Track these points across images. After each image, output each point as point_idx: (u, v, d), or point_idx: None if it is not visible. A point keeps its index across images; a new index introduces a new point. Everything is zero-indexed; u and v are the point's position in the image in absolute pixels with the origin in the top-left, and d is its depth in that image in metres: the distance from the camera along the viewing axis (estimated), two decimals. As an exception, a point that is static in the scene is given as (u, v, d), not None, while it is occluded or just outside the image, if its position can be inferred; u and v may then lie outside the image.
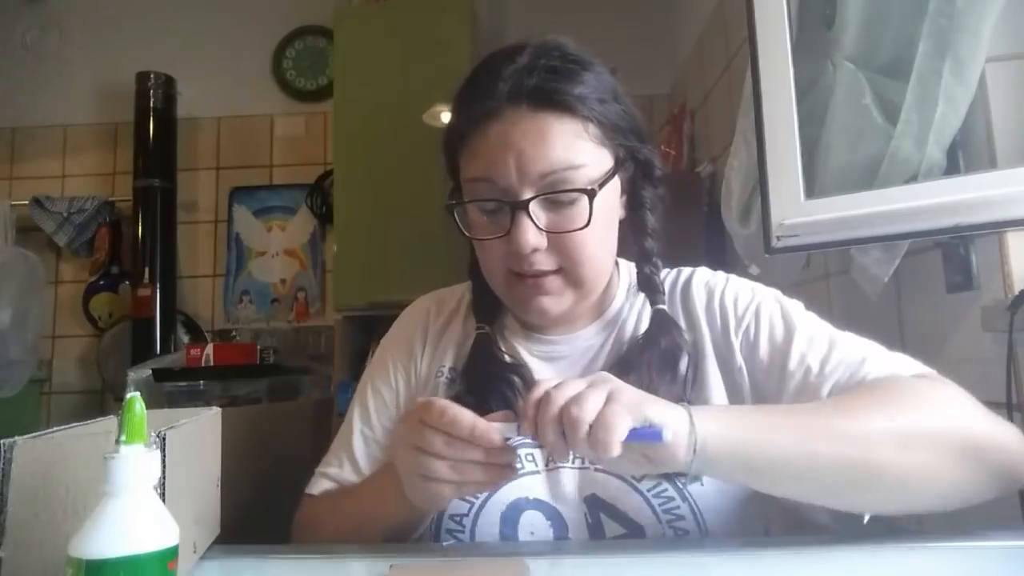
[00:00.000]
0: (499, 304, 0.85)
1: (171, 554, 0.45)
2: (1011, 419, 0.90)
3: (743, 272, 1.60)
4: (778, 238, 1.04)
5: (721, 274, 0.86)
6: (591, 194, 0.72)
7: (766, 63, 1.08)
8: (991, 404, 0.94)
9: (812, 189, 1.03)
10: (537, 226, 0.72)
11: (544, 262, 0.73)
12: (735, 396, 0.77)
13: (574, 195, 0.72)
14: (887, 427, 0.61)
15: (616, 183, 0.78)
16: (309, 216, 2.97)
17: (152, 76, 2.82)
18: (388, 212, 2.41)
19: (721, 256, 2.04)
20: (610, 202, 0.77)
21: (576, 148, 0.72)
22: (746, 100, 1.38)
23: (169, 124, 2.87)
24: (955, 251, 1.03)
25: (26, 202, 2.87)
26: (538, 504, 0.74)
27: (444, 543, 0.74)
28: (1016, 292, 0.90)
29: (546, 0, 2.79)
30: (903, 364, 0.72)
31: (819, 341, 0.74)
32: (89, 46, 3.03)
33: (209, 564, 0.65)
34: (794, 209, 1.03)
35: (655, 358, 0.76)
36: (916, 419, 0.63)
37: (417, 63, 2.41)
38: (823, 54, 1.10)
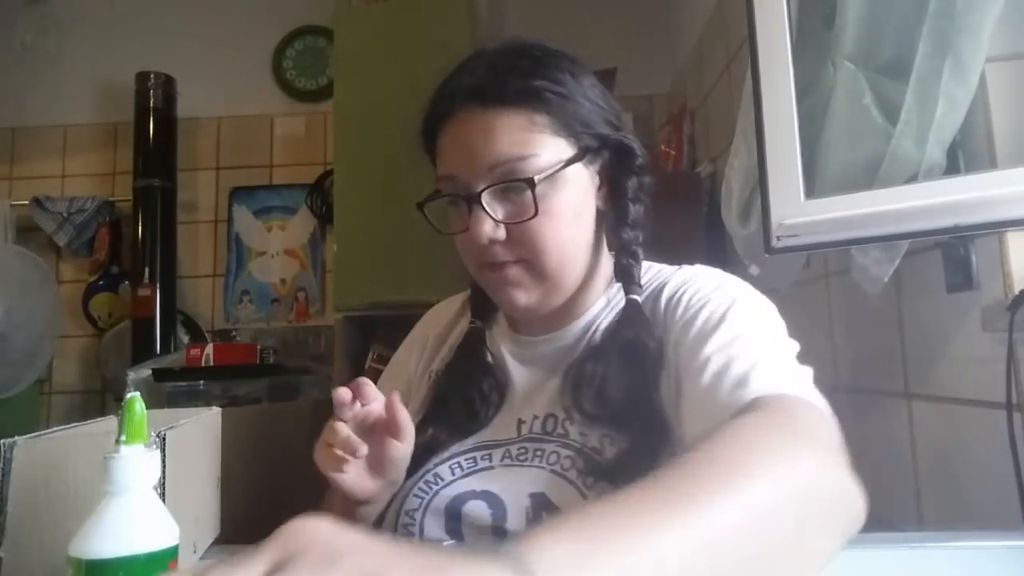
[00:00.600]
0: (493, 305, 0.87)
1: (171, 554, 0.45)
2: (1011, 419, 0.90)
3: (743, 272, 1.60)
4: (778, 238, 1.04)
5: (701, 269, 0.82)
6: (531, 183, 0.73)
7: (766, 63, 1.08)
8: (991, 404, 0.94)
9: (812, 189, 1.03)
10: (492, 218, 0.74)
11: (504, 253, 0.76)
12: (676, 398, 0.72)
13: (524, 185, 0.73)
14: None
15: (586, 174, 0.78)
16: (309, 216, 2.97)
17: (152, 76, 2.82)
18: (388, 212, 2.41)
19: (721, 256, 2.04)
20: (576, 192, 0.77)
21: (525, 140, 0.73)
22: (746, 100, 1.38)
23: (169, 124, 2.87)
24: (955, 251, 1.03)
25: (26, 202, 2.87)
26: (485, 495, 0.75)
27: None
28: (1016, 292, 0.90)
29: (546, 0, 2.80)
30: (792, 381, 0.62)
31: (734, 330, 0.68)
32: (89, 46, 3.03)
33: (201, 563, 0.65)
34: (794, 209, 1.03)
35: (619, 350, 0.75)
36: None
37: (417, 63, 2.40)
38: (823, 54, 1.10)
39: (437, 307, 0.98)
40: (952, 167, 0.96)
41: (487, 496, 0.74)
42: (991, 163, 0.93)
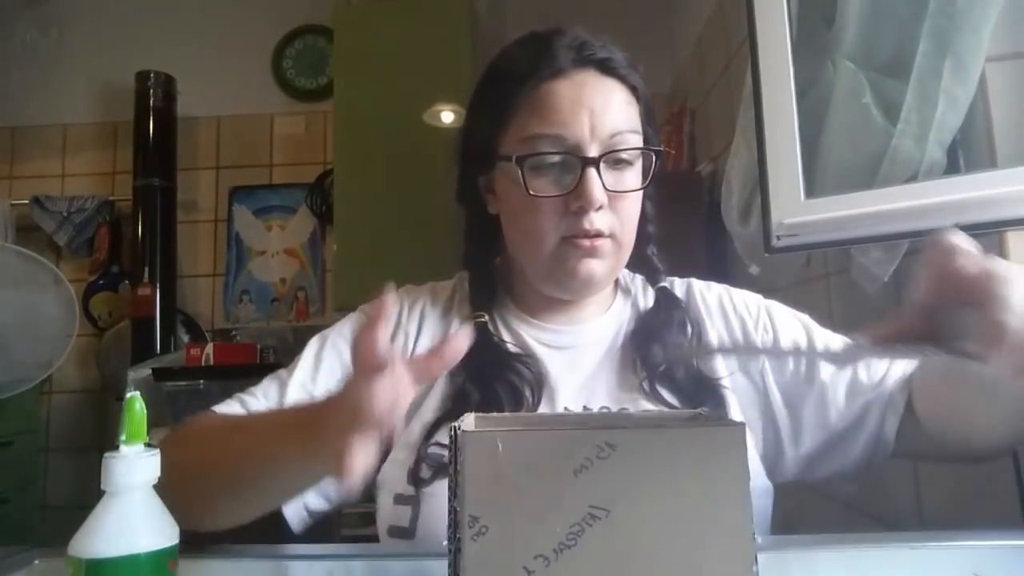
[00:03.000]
0: (497, 293, 0.87)
1: (171, 554, 0.45)
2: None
3: (743, 271, 1.60)
4: (778, 237, 1.04)
5: (713, 283, 0.90)
6: (658, 153, 0.78)
7: (766, 62, 1.08)
8: (991, 404, 0.94)
9: (812, 189, 1.03)
10: (604, 185, 0.74)
11: (602, 221, 0.75)
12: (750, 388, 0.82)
13: (633, 157, 0.77)
14: None
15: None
16: (309, 215, 2.97)
17: (152, 76, 2.82)
18: (388, 212, 2.41)
19: (721, 255, 2.04)
20: (647, 167, 0.80)
21: (631, 116, 0.78)
22: (746, 99, 1.38)
23: (169, 123, 2.87)
24: (955, 251, 1.03)
25: (26, 201, 2.87)
26: None
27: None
28: (1016, 292, 0.90)
29: (546, 0, 2.79)
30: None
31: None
32: (89, 46, 3.03)
33: (206, 564, 0.65)
34: (794, 208, 1.03)
35: (669, 325, 0.81)
36: None
37: (417, 63, 2.41)
38: (823, 53, 1.10)
39: (411, 292, 0.90)
40: (952, 167, 0.96)
41: None
42: (991, 163, 0.93)
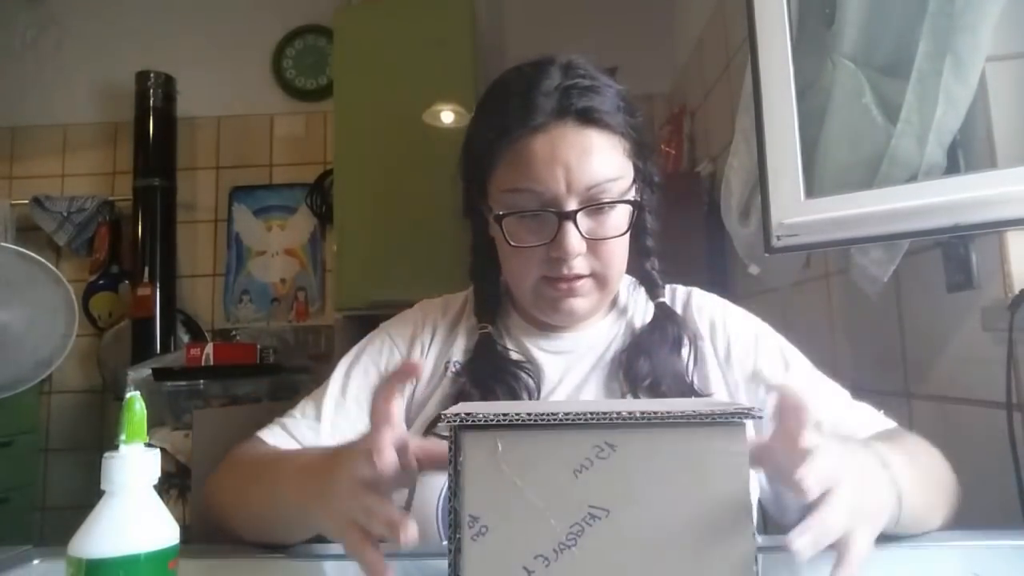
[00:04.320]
0: (501, 305, 0.90)
1: (171, 554, 0.45)
2: (1011, 419, 0.90)
3: (743, 271, 1.60)
4: (778, 237, 1.04)
5: (715, 297, 0.91)
6: (637, 205, 0.79)
7: (766, 62, 1.08)
8: (991, 404, 0.94)
9: (812, 189, 1.03)
10: (581, 234, 0.76)
11: (581, 267, 0.78)
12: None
13: (614, 204, 0.77)
14: (942, 475, 0.71)
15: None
16: (309, 216, 2.97)
17: (152, 76, 2.82)
18: (388, 212, 2.41)
19: (721, 255, 2.04)
20: (629, 210, 0.81)
21: (613, 162, 0.77)
22: (746, 99, 1.38)
23: (169, 124, 2.87)
24: (955, 251, 1.03)
25: (26, 201, 2.87)
26: None
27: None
28: (1016, 292, 0.90)
29: (546, 0, 2.79)
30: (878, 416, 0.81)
31: (824, 385, 0.82)
32: (89, 46, 3.03)
33: (206, 564, 0.65)
34: (794, 209, 1.03)
35: (662, 341, 0.82)
36: (944, 470, 0.72)
37: (417, 63, 2.41)
38: (823, 53, 1.10)
39: (424, 305, 0.95)
40: (952, 167, 0.96)
41: None
42: (991, 163, 0.93)
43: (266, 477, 0.71)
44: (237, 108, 3.01)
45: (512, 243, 0.78)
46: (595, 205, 0.76)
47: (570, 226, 0.75)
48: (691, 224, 2.01)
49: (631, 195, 0.80)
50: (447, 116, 2.42)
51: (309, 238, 2.98)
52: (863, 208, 0.95)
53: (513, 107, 0.77)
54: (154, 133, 2.82)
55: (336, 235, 2.54)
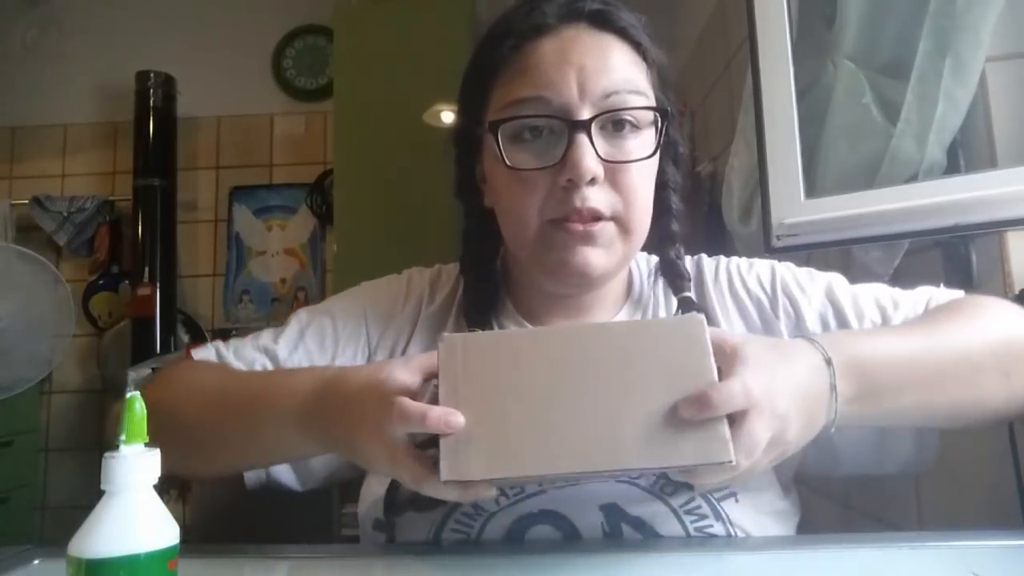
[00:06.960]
0: (496, 295, 0.78)
1: (171, 553, 0.45)
2: (1011, 420, 0.90)
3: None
4: (778, 237, 1.04)
5: (724, 258, 0.82)
6: (664, 114, 0.66)
7: (766, 63, 1.08)
8: (991, 404, 0.94)
9: (812, 189, 1.03)
10: (597, 154, 0.63)
11: (598, 200, 0.64)
12: None
13: (638, 120, 0.65)
14: (984, 337, 0.63)
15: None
16: (309, 216, 2.97)
17: (152, 75, 2.82)
18: (388, 212, 2.41)
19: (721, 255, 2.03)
20: (654, 135, 0.68)
21: (637, 76, 0.66)
22: (746, 100, 1.38)
23: (169, 123, 2.87)
24: (955, 251, 1.03)
25: (26, 201, 2.87)
26: (544, 515, 0.65)
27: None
28: (1016, 292, 0.90)
29: (546, 0, 2.80)
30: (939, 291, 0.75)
31: (863, 291, 0.74)
32: (89, 46, 3.03)
33: (206, 563, 0.65)
34: (794, 208, 1.03)
35: None
36: (1004, 329, 0.65)
37: (417, 63, 2.41)
38: (823, 53, 1.10)
39: (412, 283, 0.84)
40: (952, 167, 0.96)
41: (550, 516, 0.65)
42: (991, 163, 0.93)
43: (251, 408, 0.65)
44: (237, 108, 3.01)
45: (510, 164, 0.65)
46: (613, 112, 0.63)
47: (583, 139, 0.62)
48: (691, 224, 2.01)
49: (655, 127, 0.66)
50: (447, 116, 2.41)
51: (309, 238, 2.98)
52: (863, 208, 0.95)
53: (518, 18, 0.68)
54: (154, 133, 2.81)
55: (336, 235, 2.54)
